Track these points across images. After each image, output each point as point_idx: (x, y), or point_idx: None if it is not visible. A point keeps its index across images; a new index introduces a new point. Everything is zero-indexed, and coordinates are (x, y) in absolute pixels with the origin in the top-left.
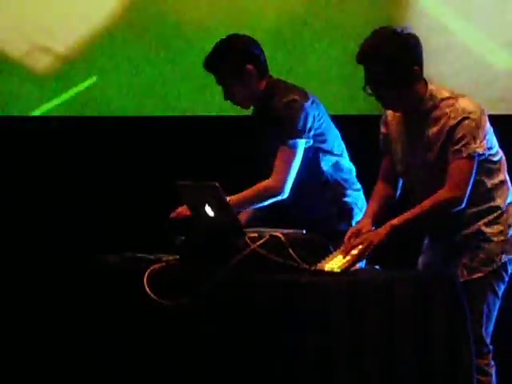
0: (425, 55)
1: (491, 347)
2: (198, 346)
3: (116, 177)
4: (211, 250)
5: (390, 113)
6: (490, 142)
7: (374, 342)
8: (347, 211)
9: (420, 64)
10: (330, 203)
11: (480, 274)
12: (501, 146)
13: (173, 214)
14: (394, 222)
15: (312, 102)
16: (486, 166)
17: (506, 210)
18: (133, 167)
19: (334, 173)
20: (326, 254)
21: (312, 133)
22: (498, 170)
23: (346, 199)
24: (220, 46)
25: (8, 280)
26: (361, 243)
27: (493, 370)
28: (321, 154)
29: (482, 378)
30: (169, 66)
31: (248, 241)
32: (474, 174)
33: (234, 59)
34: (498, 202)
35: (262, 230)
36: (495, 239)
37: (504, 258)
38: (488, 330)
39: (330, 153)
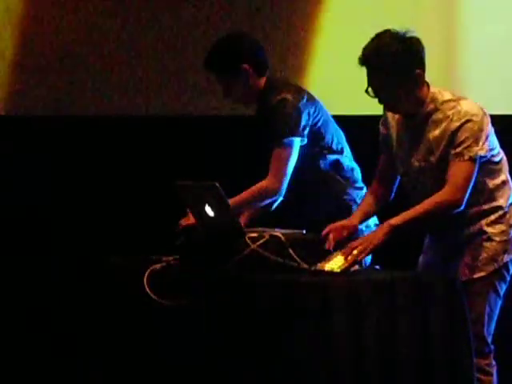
0: None
1: (492, 347)
2: (198, 346)
3: (116, 177)
4: (211, 249)
5: (390, 114)
6: (491, 143)
7: (374, 342)
8: (346, 208)
9: (422, 67)
10: (328, 201)
11: (482, 274)
12: (502, 147)
13: (184, 223)
14: (393, 221)
15: (307, 100)
16: (488, 167)
17: (509, 210)
18: (133, 167)
19: (333, 171)
20: (326, 254)
21: (307, 130)
22: (500, 170)
23: (345, 197)
24: (217, 44)
25: (8, 280)
26: (360, 244)
27: (494, 370)
28: (318, 152)
29: (484, 378)
30: None
31: (248, 241)
32: (474, 177)
33: (230, 58)
34: (500, 202)
35: (262, 229)
36: (497, 239)
37: (506, 257)
38: (489, 330)
39: (329, 150)
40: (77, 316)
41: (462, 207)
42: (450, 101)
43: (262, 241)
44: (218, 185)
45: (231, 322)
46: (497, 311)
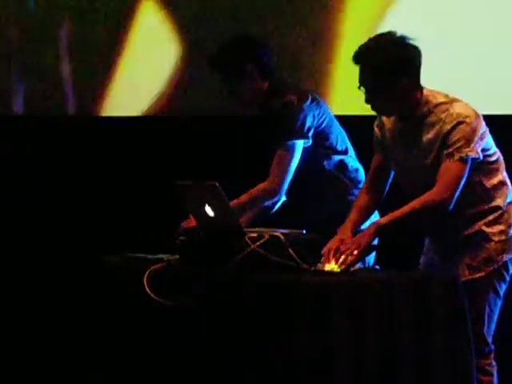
0: None
1: (492, 347)
2: (198, 346)
3: (116, 177)
4: (211, 249)
5: (384, 117)
6: (486, 144)
7: (374, 342)
8: (350, 208)
9: (414, 75)
10: (334, 201)
11: (481, 274)
12: (501, 146)
13: (186, 225)
14: (381, 221)
15: (311, 101)
16: (484, 167)
17: (507, 210)
18: (133, 167)
19: (337, 171)
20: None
21: (312, 132)
22: (497, 170)
23: (350, 197)
24: (223, 45)
25: (8, 280)
26: (348, 248)
27: (494, 370)
28: (323, 153)
29: (484, 378)
30: None
31: (248, 241)
32: (464, 178)
33: (236, 59)
34: (498, 201)
35: (262, 230)
36: (496, 239)
37: (505, 257)
38: (489, 330)
39: (333, 151)
40: (77, 316)
41: (451, 207)
42: (442, 103)
43: (261, 241)
44: (218, 185)
45: (231, 322)
46: (497, 311)
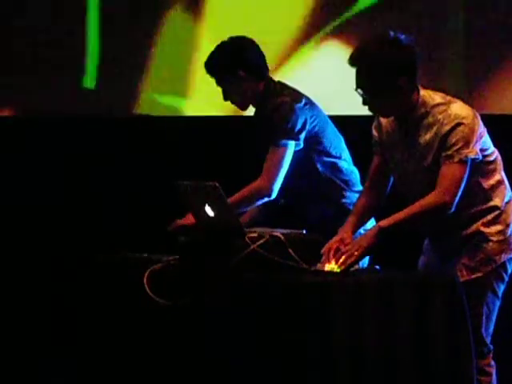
0: None
1: (491, 347)
2: (198, 346)
3: (116, 177)
4: (211, 249)
5: (382, 118)
6: (484, 144)
7: (375, 342)
8: (345, 211)
9: (410, 75)
10: (327, 204)
11: (479, 274)
12: (500, 146)
13: (180, 222)
14: (382, 223)
15: (305, 104)
16: (482, 167)
17: (505, 210)
18: (133, 167)
19: (331, 174)
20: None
21: (303, 135)
22: (494, 170)
23: (344, 200)
24: (215, 49)
25: (8, 280)
26: (350, 249)
27: (493, 370)
28: (316, 156)
29: (483, 378)
30: None
31: (248, 241)
32: (465, 179)
33: (226, 64)
34: (496, 201)
35: (262, 229)
36: (494, 239)
37: (504, 257)
38: (488, 330)
39: (326, 154)
40: (77, 316)
41: (454, 209)
42: (440, 104)
43: (262, 241)
44: (218, 185)
45: (231, 322)
46: (495, 311)
